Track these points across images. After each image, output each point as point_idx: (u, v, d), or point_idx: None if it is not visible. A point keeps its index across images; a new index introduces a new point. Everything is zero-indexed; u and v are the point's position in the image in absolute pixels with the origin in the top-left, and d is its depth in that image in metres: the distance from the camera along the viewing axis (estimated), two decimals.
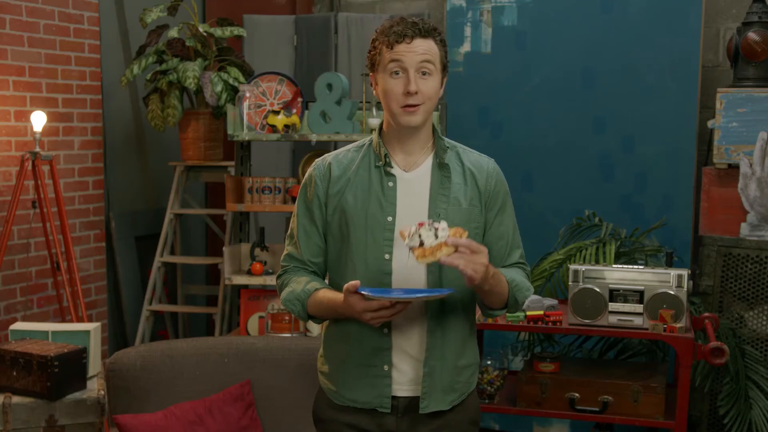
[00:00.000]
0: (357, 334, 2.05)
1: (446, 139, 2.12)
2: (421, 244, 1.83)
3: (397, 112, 1.99)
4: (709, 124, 3.81)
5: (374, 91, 2.07)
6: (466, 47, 4.37)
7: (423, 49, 1.97)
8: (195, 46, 4.47)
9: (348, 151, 2.13)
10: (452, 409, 2.09)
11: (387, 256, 2.01)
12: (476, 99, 4.36)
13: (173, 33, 4.49)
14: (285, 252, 2.17)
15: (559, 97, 4.24)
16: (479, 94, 4.36)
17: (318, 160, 2.14)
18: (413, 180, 2.05)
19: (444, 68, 2.04)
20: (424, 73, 1.98)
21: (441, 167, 2.06)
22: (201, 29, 4.43)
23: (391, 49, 1.98)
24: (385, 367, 2.04)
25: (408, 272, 2.02)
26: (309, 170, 2.13)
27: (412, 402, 2.05)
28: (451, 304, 2.05)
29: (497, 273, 1.97)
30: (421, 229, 1.85)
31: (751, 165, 3.66)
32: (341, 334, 2.09)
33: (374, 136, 2.11)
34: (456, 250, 1.85)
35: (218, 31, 4.50)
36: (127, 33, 4.98)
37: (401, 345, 2.04)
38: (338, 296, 1.98)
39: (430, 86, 1.99)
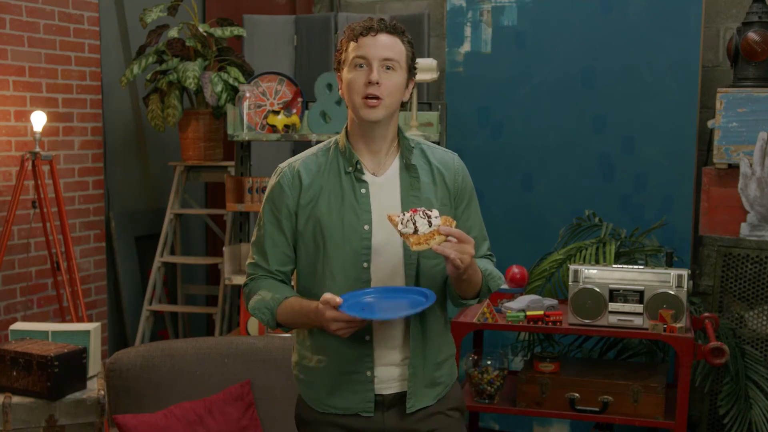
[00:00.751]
0: (337, 343, 2.02)
1: (410, 137, 2.11)
2: (416, 231, 1.84)
3: (358, 104, 1.97)
4: (709, 124, 3.81)
5: (340, 90, 2.05)
6: (466, 47, 4.37)
7: (388, 44, 1.97)
8: (195, 46, 4.47)
9: (315, 156, 2.08)
10: (438, 401, 2.10)
11: (365, 265, 2.00)
12: (476, 99, 4.36)
13: (173, 33, 4.49)
14: (250, 260, 2.12)
15: (559, 97, 4.24)
16: (479, 94, 4.36)
17: (283, 167, 2.08)
18: (384, 184, 2.04)
19: (410, 70, 2.02)
20: (387, 68, 1.97)
21: (408, 168, 2.05)
22: (201, 29, 4.43)
23: (356, 42, 1.97)
24: (368, 373, 2.03)
25: (387, 279, 2.01)
26: (274, 177, 2.08)
27: (397, 397, 2.05)
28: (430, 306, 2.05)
29: (474, 263, 1.97)
30: (415, 216, 1.85)
31: (751, 165, 3.66)
32: (319, 342, 2.07)
33: (341, 139, 2.07)
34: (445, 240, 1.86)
35: (218, 31, 4.50)
36: (127, 33, 4.98)
37: (383, 350, 2.03)
38: (310, 304, 1.95)
39: (394, 81, 1.97)
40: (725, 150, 3.71)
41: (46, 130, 4.19)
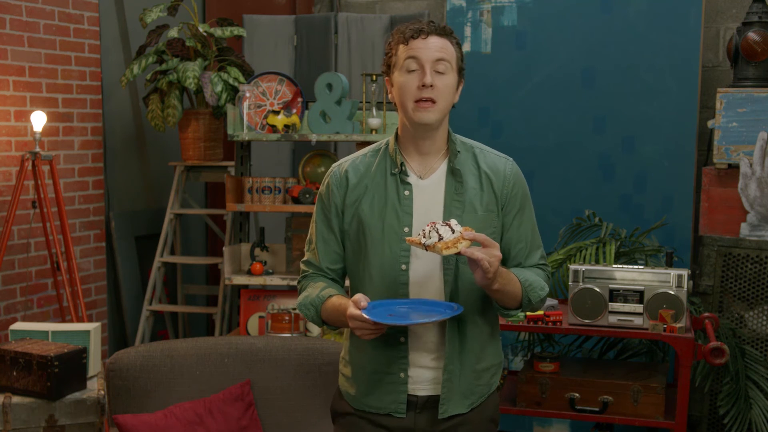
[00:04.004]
0: (373, 342, 2.03)
1: (462, 139, 2.10)
2: (440, 239, 1.85)
3: (411, 108, 1.97)
4: (709, 124, 3.81)
5: (390, 95, 2.05)
6: (466, 47, 4.37)
7: (439, 46, 1.96)
8: (195, 46, 4.47)
9: (365, 156, 2.11)
10: (471, 410, 2.09)
11: (404, 267, 2.01)
12: (476, 99, 4.36)
13: (173, 33, 4.49)
14: (304, 257, 2.17)
15: (559, 97, 4.24)
16: (479, 94, 4.36)
17: (335, 167, 2.13)
18: (428, 187, 2.04)
19: (460, 72, 2.02)
20: (439, 71, 1.96)
21: (453, 173, 2.04)
22: (201, 29, 4.43)
23: (407, 45, 1.97)
24: (402, 375, 2.04)
25: (424, 283, 2.01)
26: (326, 177, 2.13)
27: (431, 399, 2.05)
28: (469, 311, 2.03)
29: (507, 272, 1.97)
30: (436, 225, 1.86)
31: (751, 165, 3.66)
32: (358, 342, 2.09)
33: (390, 140, 2.09)
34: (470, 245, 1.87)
35: (218, 31, 4.50)
36: (127, 33, 4.98)
37: (418, 353, 2.04)
38: (347, 303, 1.96)
39: (446, 83, 1.97)
40: (725, 150, 3.71)
41: (46, 130, 4.19)
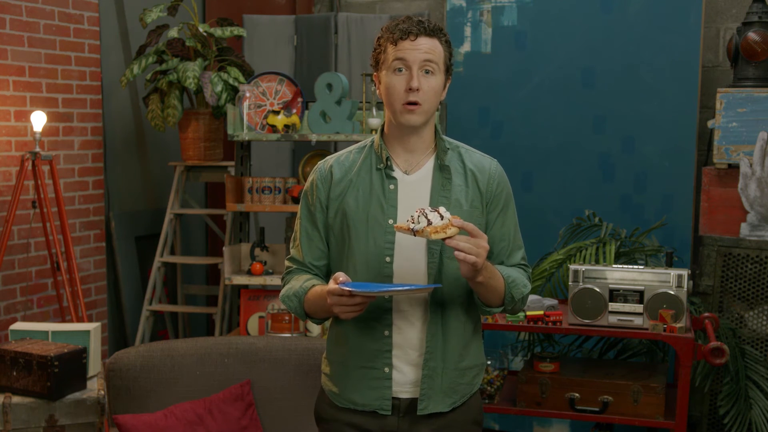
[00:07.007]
0: (357, 337, 2.05)
1: (448, 138, 2.11)
2: (429, 224, 1.84)
3: (398, 110, 1.99)
4: (709, 124, 3.81)
5: (377, 91, 2.06)
6: (466, 47, 4.37)
7: (427, 47, 1.97)
8: (195, 46, 4.46)
9: (350, 153, 2.12)
10: (453, 409, 2.08)
11: (388, 259, 2.01)
12: (476, 99, 4.36)
13: (173, 33, 4.49)
14: (289, 254, 2.18)
15: (559, 97, 4.24)
16: (479, 94, 4.36)
17: (320, 163, 2.14)
18: (414, 182, 2.05)
19: (447, 70, 2.03)
20: (427, 72, 1.97)
21: (442, 169, 2.05)
22: (201, 29, 4.43)
23: (396, 45, 1.97)
24: (386, 369, 2.03)
25: (408, 276, 2.01)
26: (311, 174, 2.14)
27: (413, 403, 2.05)
28: (452, 306, 2.04)
29: (491, 266, 1.97)
30: (425, 211, 1.86)
31: (751, 165, 3.66)
32: (342, 336, 2.09)
33: (376, 137, 2.10)
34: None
35: (218, 31, 4.50)
36: (127, 33, 4.98)
37: (402, 347, 2.03)
38: (326, 288, 1.97)
39: (432, 85, 1.98)
40: (725, 150, 3.71)
41: (46, 130, 4.19)
